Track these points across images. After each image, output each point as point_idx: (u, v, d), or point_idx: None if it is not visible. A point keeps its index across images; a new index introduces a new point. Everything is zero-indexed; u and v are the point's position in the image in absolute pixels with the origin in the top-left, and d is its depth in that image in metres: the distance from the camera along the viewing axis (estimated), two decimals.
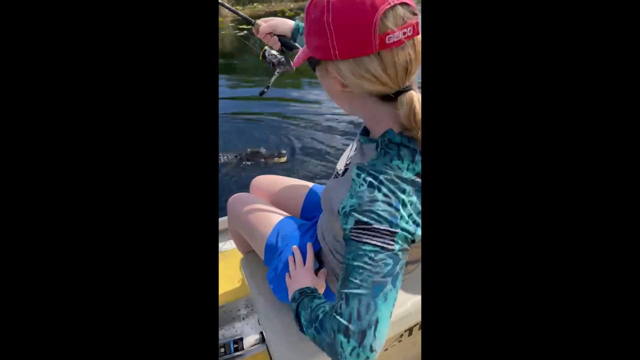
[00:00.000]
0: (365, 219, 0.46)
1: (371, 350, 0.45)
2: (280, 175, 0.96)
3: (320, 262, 0.73)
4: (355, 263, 0.46)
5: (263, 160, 2.47)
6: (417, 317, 0.75)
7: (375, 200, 0.46)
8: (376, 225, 0.46)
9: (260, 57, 0.82)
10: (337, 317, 0.47)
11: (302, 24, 0.77)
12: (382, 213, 0.46)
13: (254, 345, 1.08)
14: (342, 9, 0.45)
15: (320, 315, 0.52)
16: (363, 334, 0.45)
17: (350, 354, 0.46)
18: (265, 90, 0.88)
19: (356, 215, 0.47)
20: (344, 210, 0.49)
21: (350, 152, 0.64)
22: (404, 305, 0.74)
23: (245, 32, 7.93)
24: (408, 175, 0.47)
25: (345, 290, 0.47)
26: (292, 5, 13.53)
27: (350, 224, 0.47)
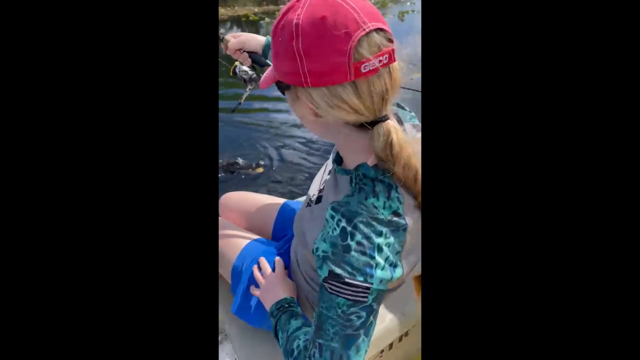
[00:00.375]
0: (338, 271, 0.45)
1: None
2: (259, 185, 0.92)
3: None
4: (329, 314, 0.47)
5: (241, 171, 2.38)
6: (397, 332, 0.76)
7: (348, 250, 0.45)
8: (349, 280, 0.45)
9: (231, 73, 0.80)
10: None
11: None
12: (356, 264, 0.45)
13: None
14: (312, 34, 0.42)
15: (295, 352, 0.52)
16: None
17: None
18: (238, 106, 0.85)
19: (330, 264, 0.46)
20: (317, 253, 0.49)
21: (323, 175, 0.63)
22: (383, 322, 0.74)
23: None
24: (384, 215, 0.46)
25: (319, 340, 0.47)
26: (256, 10, 13.47)
27: (324, 273, 0.47)
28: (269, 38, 0.76)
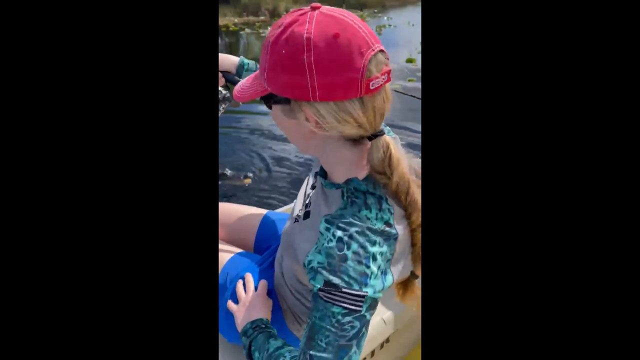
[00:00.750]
0: (335, 281, 0.46)
1: None
2: (246, 198, 0.90)
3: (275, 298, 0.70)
4: (322, 324, 0.46)
5: (228, 182, 2.37)
6: (379, 339, 0.77)
7: (345, 259, 0.46)
8: (345, 289, 0.45)
9: None
10: None
11: (248, 62, 0.78)
12: (352, 274, 0.46)
13: None
14: (326, 50, 0.43)
15: None
16: None
17: None
18: None
19: (325, 274, 0.47)
20: (310, 266, 0.49)
21: (306, 189, 0.64)
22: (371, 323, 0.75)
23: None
24: (377, 225, 0.48)
25: (311, 352, 0.46)
26: (236, 20, 13.41)
27: (319, 283, 0.47)
28: (243, 59, 0.78)
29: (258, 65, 0.69)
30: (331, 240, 0.47)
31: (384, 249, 0.47)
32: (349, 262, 0.46)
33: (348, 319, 0.46)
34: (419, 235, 0.51)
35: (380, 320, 0.76)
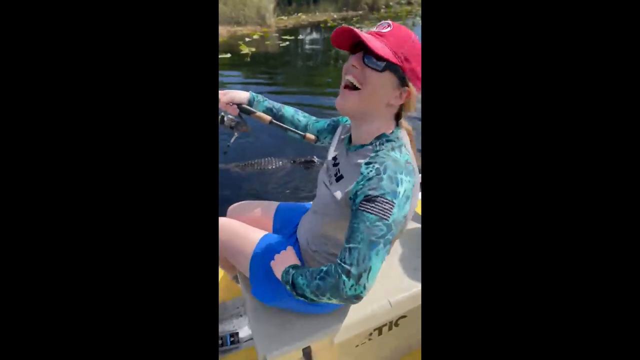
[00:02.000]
0: (374, 193, 0.61)
1: (364, 287, 0.61)
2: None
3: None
4: (359, 226, 0.61)
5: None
6: (383, 319, 0.87)
7: (381, 180, 0.62)
8: (381, 198, 0.60)
9: (219, 122, 0.96)
10: (342, 263, 0.62)
11: (257, 95, 0.97)
12: (386, 188, 0.61)
13: (248, 339, 1.20)
14: (418, 48, 0.65)
15: (325, 268, 0.66)
16: (360, 276, 0.61)
17: (350, 289, 0.61)
18: (228, 148, 1.13)
19: (366, 190, 0.62)
20: (354, 191, 0.64)
21: (328, 165, 0.80)
22: (371, 306, 0.85)
23: (288, 42, 8.28)
24: (402, 160, 0.65)
25: (350, 245, 0.62)
26: (335, 16, 13.84)
27: (360, 198, 0.62)
28: (252, 92, 0.96)
29: (264, 98, 0.97)
30: (371, 172, 0.63)
31: (408, 178, 0.63)
32: (384, 182, 0.61)
33: (378, 223, 0.60)
34: None
35: (387, 303, 0.87)
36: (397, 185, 0.61)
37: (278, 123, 0.93)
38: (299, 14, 14.08)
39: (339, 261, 0.63)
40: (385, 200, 0.60)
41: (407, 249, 0.99)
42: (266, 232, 0.94)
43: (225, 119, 0.95)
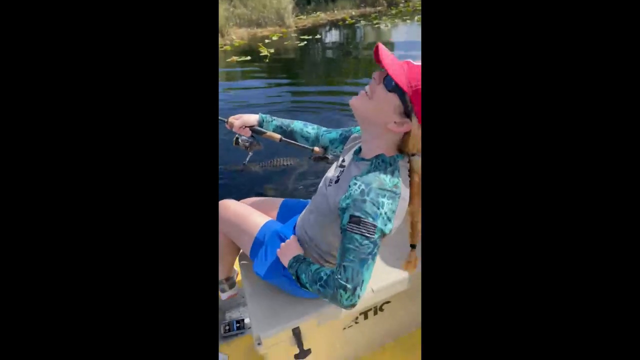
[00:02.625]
0: (357, 214, 0.69)
1: (358, 297, 0.71)
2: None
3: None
4: (350, 246, 0.70)
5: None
6: (367, 303, 0.96)
7: (364, 202, 0.69)
8: (364, 219, 0.68)
9: (234, 144, 1.09)
10: (338, 279, 0.71)
11: (265, 116, 1.07)
12: (368, 210, 0.68)
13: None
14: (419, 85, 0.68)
15: (324, 277, 0.75)
16: (354, 289, 0.70)
17: (346, 300, 0.71)
18: (244, 166, 1.15)
19: (351, 210, 0.70)
20: (342, 206, 0.73)
21: (337, 165, 0.88)
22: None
23: (305, 42, 8.33)
24: (389, 186, 0.70)
25: (344, 263, 0.71)
26: (353, 13, 13.76)
27: (347, 217, 0.70)
28: (262, 114, 1.07)
29: (272, 117, 1.07)
30: (356, 190, 0.71)
31: (390, 202, 0.70)
32: (367, 204, 0.69)
33: (366, 242, 0.69)
34: (413, 208, 0.77)
35: (370, 290, 0.95)
36: (378, 208, 0.69)
37: (287, 140, 1.06)
38: (318, 13, 14.11)
39: (336, 276, 0.72)
40: (367, 222, 0.69)
41: (391, 245, 1.04)
42: (270, 219, 1.04)
43: (240, 140, 1.08)
